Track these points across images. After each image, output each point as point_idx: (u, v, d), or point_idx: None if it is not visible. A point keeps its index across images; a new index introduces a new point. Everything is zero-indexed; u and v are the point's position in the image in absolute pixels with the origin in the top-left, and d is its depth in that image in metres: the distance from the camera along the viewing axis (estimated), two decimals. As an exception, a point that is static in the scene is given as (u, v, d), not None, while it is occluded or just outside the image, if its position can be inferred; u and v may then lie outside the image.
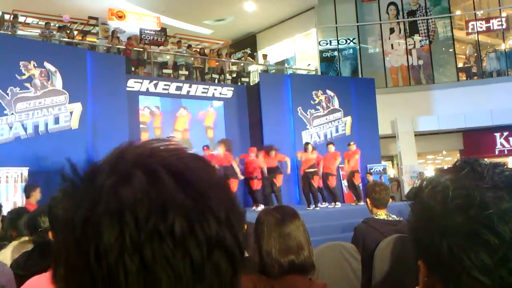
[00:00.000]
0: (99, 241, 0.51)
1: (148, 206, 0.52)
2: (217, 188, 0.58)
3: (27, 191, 7.78)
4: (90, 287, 0.52)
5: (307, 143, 12.04)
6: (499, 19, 18.52)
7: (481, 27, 18.73)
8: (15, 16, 13.44)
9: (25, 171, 9.38)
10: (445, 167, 0.83)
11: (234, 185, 10.76)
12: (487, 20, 18.82)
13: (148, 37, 17.05)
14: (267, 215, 2.07)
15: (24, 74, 10.48)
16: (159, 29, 17.90)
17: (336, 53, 18.95)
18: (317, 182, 11.27)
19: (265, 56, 17.54)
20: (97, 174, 0.56)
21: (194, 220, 0.53)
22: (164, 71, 14.78)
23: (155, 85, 13.33)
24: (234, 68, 16.63)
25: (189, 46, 16.45)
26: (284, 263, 1.94)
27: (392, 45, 18.88)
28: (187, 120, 14.10)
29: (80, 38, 15.12)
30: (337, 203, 11.49)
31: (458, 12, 19.33)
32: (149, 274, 0.51)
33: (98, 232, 0.52)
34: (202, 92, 14.11)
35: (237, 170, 10.99)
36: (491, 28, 18.85)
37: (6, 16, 14.80)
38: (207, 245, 0.53)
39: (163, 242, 0.51)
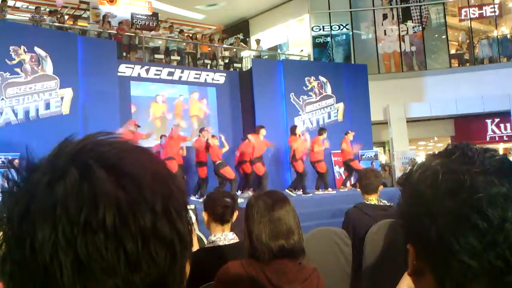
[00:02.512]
0: (34, 237, 0.52)
1: (79, 200, 0.52)
2: (155, 179, 0.58)
3: None
4: (29, 281, 0.53)
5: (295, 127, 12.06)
6: (492, 5, 18.53)
7: (474, 14, 18.74)
8: (4, 0, 13.25)
9: (16, 157, 9.33)
10: (435, 152, 0.83)
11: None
12: (480, 6, 18.83)
13: (139, 22, 16.89)
14: (257, 200, 2.08)
15: (14, 59, 10.38)
16: (150, 13, 17.70)
17: (329, 39, 18.89)
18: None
19: (258, 42, 17.46)
20: (35, 171, 0.57)
21: (126, 212, 0.53)
22: (156, 56, 14.68)
23: (147, 71, 13.24)
24: (227, 53, 16.57)
25: (181, 31, 16.33)
26: (274, 248, 1.95)
27: (385, 31, 18.84)
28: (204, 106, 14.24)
29: (71, 22, 14.97)
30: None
31: (451, -1, 19.32)
32: (83, 268, 0.51)
33: (33, 228, 0.52)
34: (194, 78, 14.05)
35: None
36: (484, 15, 18.87)
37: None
38: (142, 236, 0.54)
39: (95, 235, 0.52)
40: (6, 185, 0.58)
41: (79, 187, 0.53)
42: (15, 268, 0.54)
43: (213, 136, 10.94)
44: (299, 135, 11.76)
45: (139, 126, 10.61)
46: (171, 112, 13.65)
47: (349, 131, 12.80)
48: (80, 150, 0.58)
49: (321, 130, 12.32)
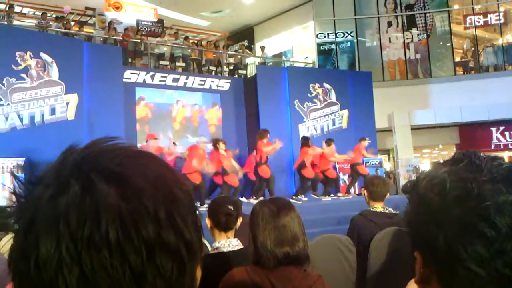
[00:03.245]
0: (38, 252, 0.52)
1: (81, 215, 0.52)
2: (157, 185, 0.57)
3: None
4: None
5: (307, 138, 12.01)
6: (497, 13, 18.51)
7: (479, 22, 18.72)
8: (11, 6, 13.36)
9: (21, 162, 9.36)
10: (441, 161, 0.83)
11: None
12: (485, 14, 18.81)
13: (145, 28, 16.97)
14: (262, 207, 2.07)
15: (20, 65, 10.42)
16: (156, 20, 17.81)
17: (333, 46, 18.91)
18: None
19: (262, 48, 17.49)
20: (38, 185, 0.56)
21: (129, 224, 0.52)
22: (161, 62, 14.73)
23: (152, 77, 13.28)
24: (231, 60, 16.60)
25: (186, 38, 16.38)
26: (279, 254, 1.94)
27: (389, 38, 18.85)
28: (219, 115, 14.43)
29: (77, 28, 15.05)
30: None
31: (456, 6, 19.31)
32: (88, 284, 0.51)
33: (37, 244, 0.52)
34: (199, 84, 14.08)
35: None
36: (489, 23, 18.85)
37: (2, 6, 14.69)
38: (146, 248, 0.52)
39: (99, 252, 0.51)
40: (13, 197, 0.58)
41: (81, 202, 0.53)
42: (22, 281, 0.54)
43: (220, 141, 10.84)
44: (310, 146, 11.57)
45: (157, 139, 10.61)
46: (188, 118, 13.88)
47: (366, 138, 12.73)
48: (83, 160, 0.57)
49: (329, 141, 12.18)
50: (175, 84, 13.64)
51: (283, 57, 19.86)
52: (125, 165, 0.57)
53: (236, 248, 2.69)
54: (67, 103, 10.99)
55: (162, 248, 0.54)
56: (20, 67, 10.40)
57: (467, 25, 18.86)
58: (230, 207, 2.76)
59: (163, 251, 0.54)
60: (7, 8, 13.40)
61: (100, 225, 0.51)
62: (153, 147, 9.96)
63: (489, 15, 18.70)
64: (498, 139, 17.91)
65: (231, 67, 16.33)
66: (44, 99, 10.70)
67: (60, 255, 0.51)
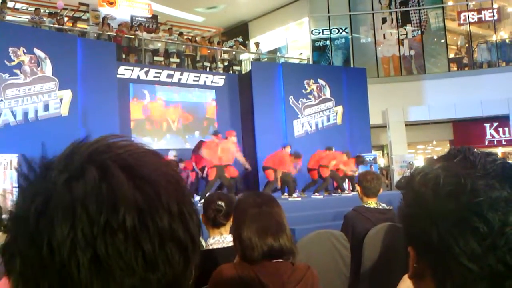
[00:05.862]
0: (52, 235, 0.52)
1: (100, 201, 0.53)
2: (169, 182, 0.59)
3: None
4: (43, 280, 0.52)
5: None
6: (491, 10, 18.56)
7: (473, 18, 18.78)
8: (4, 1, 13.23)
9: (14, 158, 9.31)
10: (435, 157, 0.83)
11: None
12: (479, 11, 18.86)
13: (139, 23, 16.88)
14: (247, 198, 2.08)
15: (14, 61, 10.37)
16: (150, 16, 17.74)
17: (328, 42, 18.92)
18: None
19: (257, 45, 17.47)
20: (51, 170, 0.57)
21: (146, 213, 0.54)
22: (155, 58, 14.67)
23: (146, 73, 13.25)
24: (226, 56, 16.56)
25: (181, 34, 16.33)
26: (264, 247, 1.92)
27: (384, 35, 18.87)
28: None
29: (71, 24, 14.95)
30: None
31: (450, 3, 19.36)
32: (102, 267, 0.52)
33: (51, 227, 0.52)
34: (194, 80, 14.05)
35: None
36: (483, 19, 18.91)
37: (-5, 1, 14.59)
38: (159, 237, 0.55)
39: (115, 236, 0.52)
40: (20, 182, 0.58)
41: (99, 188, 0.54)
42: (27, 266, 0.54)
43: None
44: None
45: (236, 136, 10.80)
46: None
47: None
48: (96, 150, 0.58)
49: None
50: (169, 80, 13.61)
51: (278, 53, 19.85)
52: (138, 159, 0.59)
53: (230, 245, 2.68)
54: (61, 99, 10.94)
55: (173, 239, 0.56)
56: (13, 63, 10.35)
57: (461, 21, 18.92)
58: (221, 203, 2.76)
59: (173, 242, 0.56)
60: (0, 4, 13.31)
61: (118, 213, 0.53)
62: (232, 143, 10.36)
63: (483, 12, 18.75)
64: (491, 135, 18.00)
65: (226, 63, 16.29)
66: (38, 95, 10.65)
67: (75, 238, 0.52)
